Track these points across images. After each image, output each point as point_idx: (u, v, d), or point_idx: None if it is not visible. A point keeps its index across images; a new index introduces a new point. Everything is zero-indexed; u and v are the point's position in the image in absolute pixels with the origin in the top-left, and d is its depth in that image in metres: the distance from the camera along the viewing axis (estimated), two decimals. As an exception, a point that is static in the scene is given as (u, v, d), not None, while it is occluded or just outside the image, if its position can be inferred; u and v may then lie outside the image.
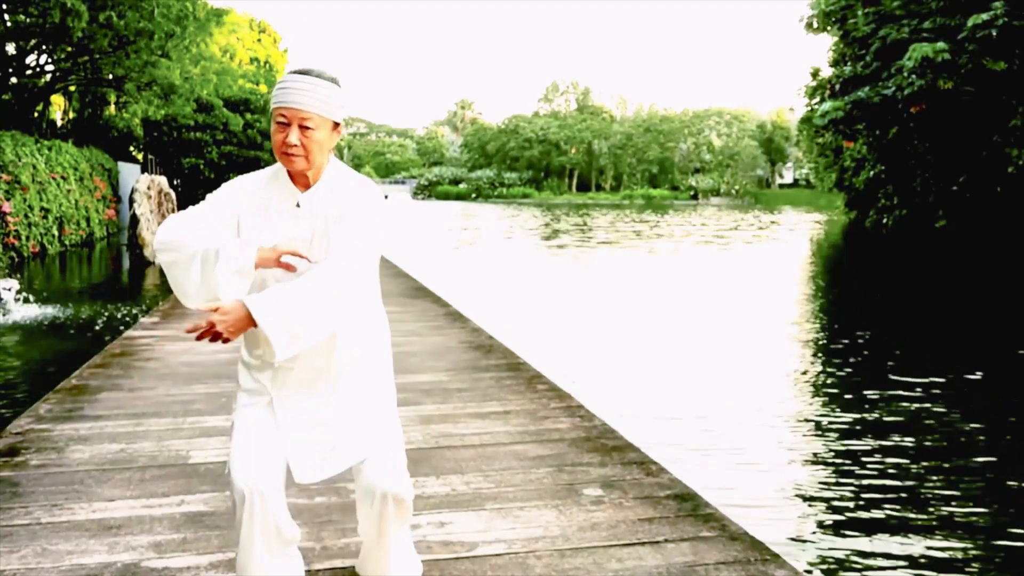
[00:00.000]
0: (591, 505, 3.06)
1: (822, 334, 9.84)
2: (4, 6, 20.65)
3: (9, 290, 9.98)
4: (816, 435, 5.69)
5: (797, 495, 4.56)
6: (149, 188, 18.24)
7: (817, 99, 30.49)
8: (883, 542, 3.92)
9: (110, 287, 13.42)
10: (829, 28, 29.61)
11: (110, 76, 24.82)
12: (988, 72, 21.88)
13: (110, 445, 3.73)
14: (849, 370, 7.68)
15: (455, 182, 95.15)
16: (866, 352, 8.54)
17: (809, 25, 30.29)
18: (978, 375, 7.50)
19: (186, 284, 2.02)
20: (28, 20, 20.71)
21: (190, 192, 32.86)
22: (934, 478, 4.77)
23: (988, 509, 4.31)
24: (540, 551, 2.68)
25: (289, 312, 1.92)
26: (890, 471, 4.87)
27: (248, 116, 37.24)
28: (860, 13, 26.45)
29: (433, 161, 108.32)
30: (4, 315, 9.60)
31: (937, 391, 6.79)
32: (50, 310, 10.08)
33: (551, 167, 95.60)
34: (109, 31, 21.20)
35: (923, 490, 4.58)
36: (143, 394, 4.68)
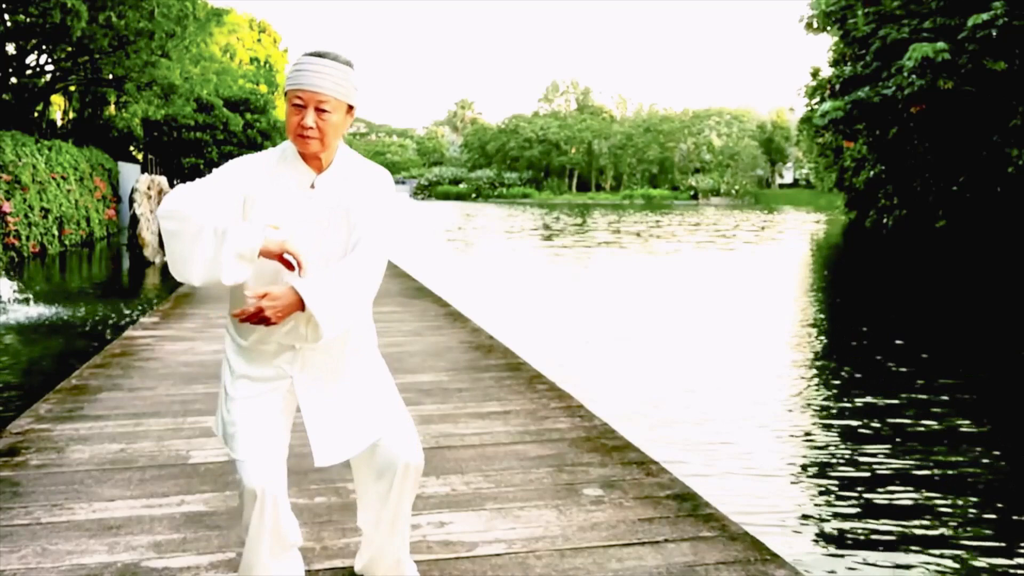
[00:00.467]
0: (591, 505, 3.06)
1: (822, 335, 9.84)
2: (4, 6, 20.64)
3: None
4: (816, 435, 5.69)
5: (797, 495, 4.56)
6: (149, 188, 18.25)
7: (817, 99, 30.52)
8: (883, 542, 3.92)
9: (110, 287, 13.42)
10: (829, 28, 29.63)
11: (110, 76, 24.81)
12: (988, 72, 21.89)
13: (110, 445, 3.73)
14: (850, 371, 7.68)
15: (455, 182, 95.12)
16: (867, 353, 8.54)
17: (809, 25, 30.32)
18: (979, 377, 7.50)
19: (188, 258, 1.96)
20: (28, 20, 20.69)
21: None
22: (934, 478, 4.77)
23: (989, 509, 4.31)
24: (540, 551, 2.68)
25: (336, 297, 1.98)
26: (890, 471, 4.87)
27: (248, 116, 37.24)
28: (860, 13, 26.46)
29: (433, 161, 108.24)
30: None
31: (938, 392, 6.79)
32: (50, 310, 10.08)
33: (551, 167, 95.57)
34: (109, 31, 21.20)
35: (923, 490, 4.58)
36: (143, 394, 4.68)
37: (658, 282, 15.27)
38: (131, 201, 16.97)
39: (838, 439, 5.53)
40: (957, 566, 3.69)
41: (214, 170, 2.12)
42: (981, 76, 22.30)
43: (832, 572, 3.64)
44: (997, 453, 5.24)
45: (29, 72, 24.10)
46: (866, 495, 4.51)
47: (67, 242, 20.28)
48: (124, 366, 5.41)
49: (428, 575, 2.51)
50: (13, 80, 23.59)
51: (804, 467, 5.06)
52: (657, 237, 27.94)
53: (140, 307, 10.51)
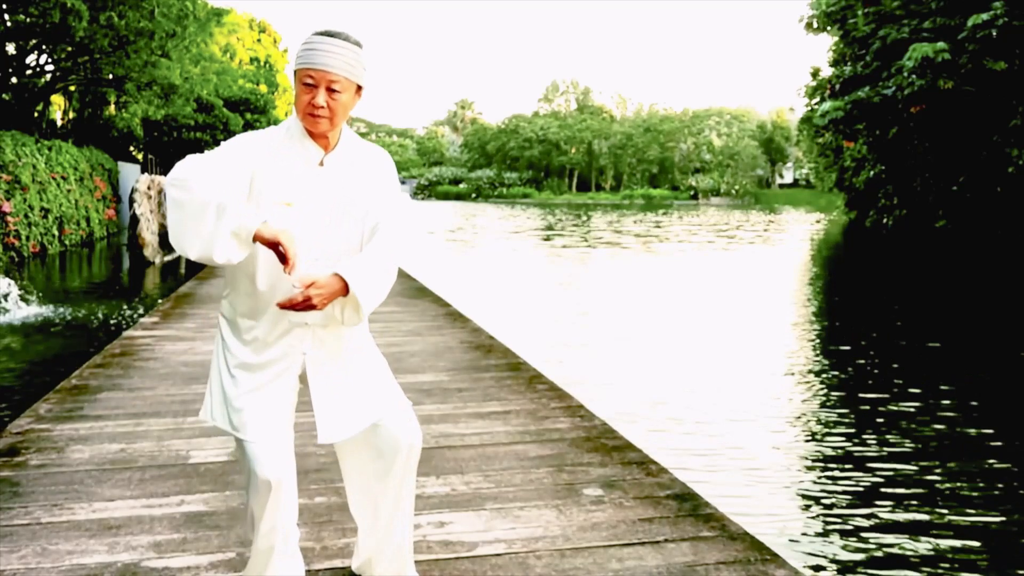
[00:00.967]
0: (591, 505, 3.06)
1: (823, 335, 9.84)
2: (4, 6, 20.64)
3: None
4: (817, 435, 5.69)
5: (797, 495, 4.56)
6: (149, 188, 18.25)
7: (817, 99, 30.55)
8: (883, 542, 3.92)
9: (110, 287, 13.42)
10: (829, 28, 29.65)
11: (110, 76, 24.80)
12: (988, 72, 21.89)
13: (110, 445, 3.73)
14: (850, 371, 7.68)
15: (455, 182, 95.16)
16: (867, 353, 8.54)
17: (809, 25, 30.34)
18: (981, 378, 7.50)
19: (187, 230, 1.94)
20: (28, 20, 20.68)
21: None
22: (935, 478, 4.77)
23: (989, 510, 4.31)
24: (540, 551, 2.68)
25: (375, 280, 2.04)
26: (891, 471, 4.87)
27: (248, 116, 37.24)
28: (860, 13, 26.47)
29: (433, 161, 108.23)
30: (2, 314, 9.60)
31: (939, 392, 6.79)
32: (50, 310, 10.08)
33: (551, 167, 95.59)
34: (109, 31, 21.19)
35: (924, 490, 4.58)
36: (143, 394, 4.68)
37: (658, 282, 15.27)
38: (131, 201, 16.98)
39: (838, 439, 5.53)
40: (958, 566, 3.69)
41: (222, 143, 2.11)
42: (981, 76, 22.30)
43: (832, 572, 3.64)
44: (998, 454, 5.24)
45: (29, 72, 24.09)
46: (866, 495, 4.51)
47: (67, 242, 20.28)
48: (124, 366, 5.41)
49: (428, 575, 2.51)
50: (13, 80, 23.58)
51: (804, 467, 5.05)
52: (657, 237, 27.95)
53: (140, 307, 10.51)
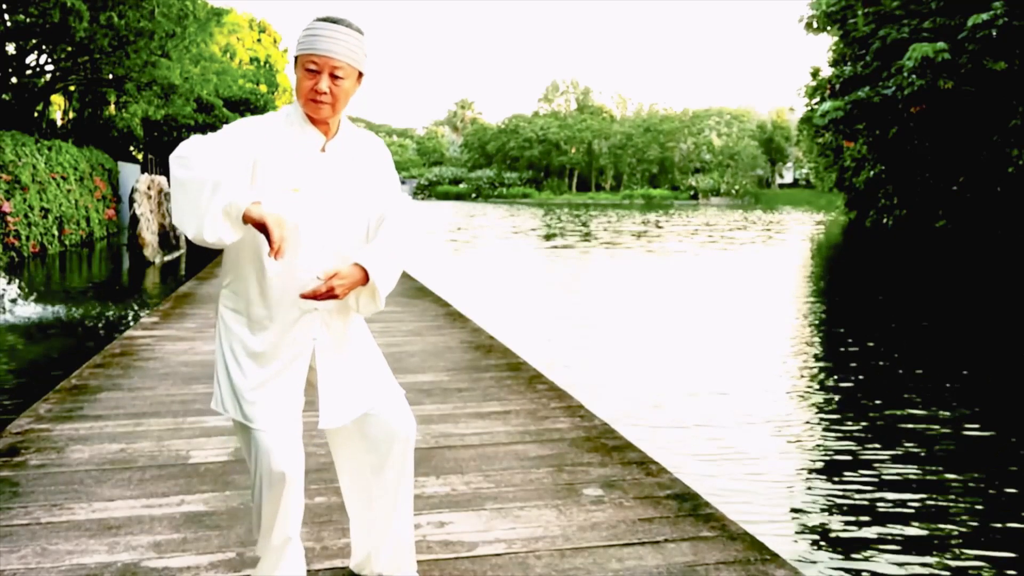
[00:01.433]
0: (591, 505, 3.06)
1: (823, 335, 9.84)
2: (4, 6, 20.63)
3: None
4: (817, 436, 5.69)
5: (797, 495, 4.56)
6: (149, 188, 18.25)
7: (817, 99, 30.54)
8: (883, 542, 3.92)
9: (110, 287, 13.41)
10: (829, 28, 29.64)
11: (110, 76, 24.78)
12: (988, 72, 21.90)
13: (110, 445, 3.73)
14: (851, 371, 7.68)
15: (455, 182, 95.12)
16: (868, 354, 8.54)
17: (809, 25, 30.34)
18: (981, 378, 7.50)
19: (186, 208, 1.92)
20: (28, 20, 20.68)
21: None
22: (935, 478, 4.77)
23: (990, 510, 4.31)
24: (540, 551, 2.68)
25: (392, 269, 2.10)
26: (891, 472, 4.87)
27: (248, 116, 37.20)
28: (860, 13, 26.47)
29: (433, 161, 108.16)
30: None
31: (940, 393, 6.79)
32: (50, 310, 10.08)
33: (551, 167, 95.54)
34: (109, 31, 21.17)
35: (924, 490, 4.58)
36: (143, 394, 4.68)
37: (658, 282, 15.26)
38: (131, 201, 16.97)
39: (839, 439, 5.53)
40: (958, 566, 3.69)
41: (224, 126, 2.11)
42: (981, 76, 22.31)
43: (832, 572, 3.64)
44: (999, 454, 5.24)
45: (29, 72, 24.08)
46: (866, 495, 4.51)
47: (67, 242, 20.27)
48: (124, 366, 5.41)
49: (428, 575, 2.51)
50: (13, 80, 23.58)
51: (804, 467, 5.05)
52: (658, 237, 27.94)
53: (140, 307, 10.51)
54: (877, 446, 5.33)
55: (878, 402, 6.44)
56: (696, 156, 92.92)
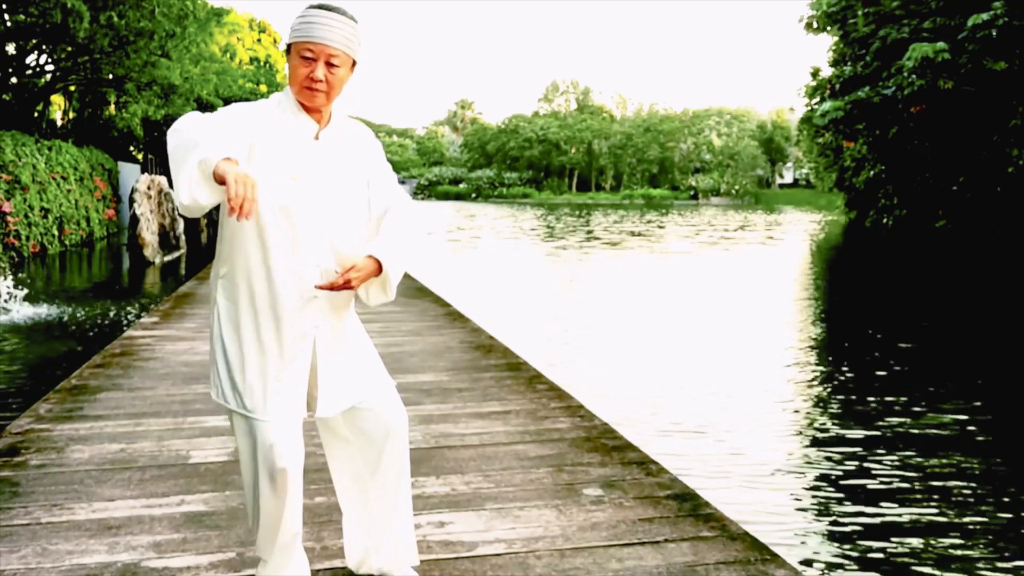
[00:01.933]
0: (591, 505, 3.06)
1: (823, 335, 9.84)
2: (4, 6, 20.63)
3: None
4: (817, 435, 5.69)
5: (797, 495, 4.56)
6: (149, 188, 18.25)
7: (817, 99, 30.53)
8: (884, 542, 3.92)
9: (110, 287, 13.41)
10: (829, 28, 29.64)
11: (110, 76, 24.78)
12: (988, 72, 21.90)
13: (110, 445, 3.73)
14: (851, 372, 7.68)
15: (455, 182, 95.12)
16: (868, 354, 8.54)
17: (809, 25, 30.33)
18: (982, 378, 7.50)
19: (176, 174, 1.87)
20: (28, 20, 20.68)
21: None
22: (935, 478, 4.77)
23: (991, 510, 4.31)
24: (540, 551, 2.68)
25: (403, 260, 2.16)
26: (891, 472, 4.87)
27: (247, 115, 37.06)
28: (860, 13, 26.47)
29: (433, 161, 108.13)
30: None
31: (940, 394, 6.79)
32: (50, 310, 10.08)
33: (551, 167, 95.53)
34: (109, 31, 21.17)
35: (924, 491, 4.58)
36: (143, 394, 4.68)
37: (658, 282, 15.26)
38: (131, 201, 16.97)
39: (839, 439, 5.53)
40: (958, 566, 3.69)
41: (219, 109, 2.08)
42: (981, 76, 22.31)
43: (832, 572, 3.64)
44: (1000, 454, 5.24)
45: (29, 72, 24.08)
46: (866, 495, 4.51)
47: (67, 242, 20.28)
48: (124, 366, 5.41)
49: (428, 575, 2.51)
50: (13, 80, 23.58)
51: (804, 467, 5.05)
52: (658, 238, 27.93)
53: (140, 307, 10.51)
54: (877, 446, 5.33)
55: (878, 402, 6.44)
56: (696, 156, 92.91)
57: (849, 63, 28.02)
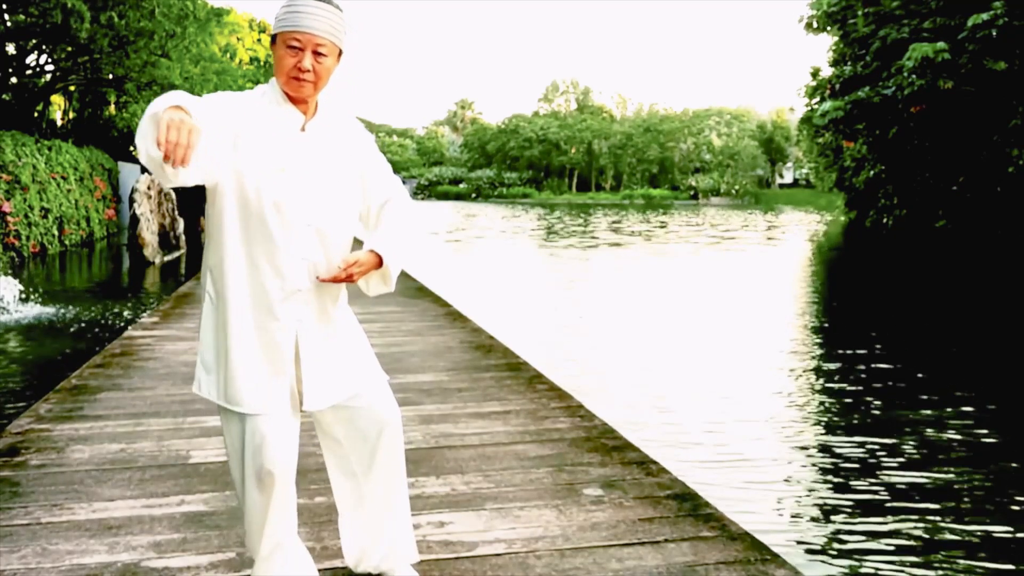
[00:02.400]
0: (591, 505, 3.06)
1: (824, 335, 9.84)
2: (4, 6, 20.63)
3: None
4: (818, 436, 5.69)
5: (797, 495, 4.56)
6: (149, 188, 18.24)
7: (817, 99, 30.51)
8: (884, 543, 3.92)
9: (110, 287, 13.41)
10: (829, 28, 29.63)
11: (110, 76, 24.78)
12: (988, 72, 21.89)
13: (110, 445, 3.73)
14: (851, 372, 7.68)
15: (455, 182, 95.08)
16: (868, 354, 8.54)
17: (809, 25, 30.32)
18: (982, 379, 7.50)
19: (145, 132, 1.77)
20: (28, 20, 20.68)
21: (190, 192, 32.79)
22: (935, 478, 4.77)
23: (991, 511, 4.31)
24: (540, 551, 2.68)
25: (404, 254, 2.18)
26: (891, 472, 4.87)
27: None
28: (860, 13, 26.46)
29: (433, 161, 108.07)
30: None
31: (940, 394, 6.79)
32: (50, 310, 10.08)
33: (551, 167, 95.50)
34: (109, 31, 21.16)
35: (924, 491, 4.58)
36: (143, 394, 4.68)
37: (659, 282, 15.26)
38: (131, 201, 16.97)
39: (839, 439, 5.53)
40: (959, 566, 3.69)
41: (204, 95, 2.04)
42: (981, 76, 22.30)
43: (832, 572, 3.64)
44: (1001, 456, 5.24)
45: (29, 72, 24.08)
46: (867, 495, 4.51)
47: (67, 242, 20.27)
48: (124, 366, 5.41)
49: (428, 575, 2.51)
50: (13, 80, 23.58)
51: (804, 467, 5.05)
52: (658, 238, 27.94)
53: (140, 307, 10.51)
54: (878, 446, 5.33)
55: (879, 402, 6.44)
56: (696, 156, 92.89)
57: (849, 63, 28.01)
